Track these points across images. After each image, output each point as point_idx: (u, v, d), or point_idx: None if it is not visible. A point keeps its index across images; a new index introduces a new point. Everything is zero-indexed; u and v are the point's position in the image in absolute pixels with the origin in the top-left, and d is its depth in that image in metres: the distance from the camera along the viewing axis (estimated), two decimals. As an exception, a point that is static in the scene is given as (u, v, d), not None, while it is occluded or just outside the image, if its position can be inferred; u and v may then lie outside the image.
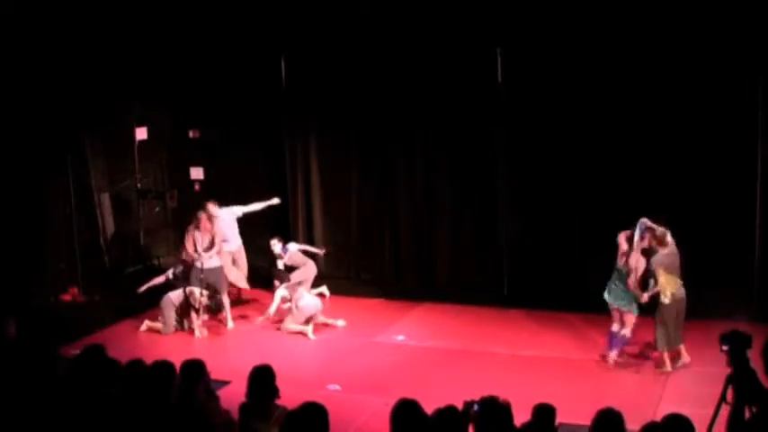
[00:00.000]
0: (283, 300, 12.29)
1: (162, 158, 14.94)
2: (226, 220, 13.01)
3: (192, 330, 12.27)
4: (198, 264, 12.27)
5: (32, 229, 13.01)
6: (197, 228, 12.42)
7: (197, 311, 12.21)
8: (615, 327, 10.55)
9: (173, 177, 14.98)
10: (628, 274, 10.30)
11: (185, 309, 12.26)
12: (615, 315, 10.56)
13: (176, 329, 12.27)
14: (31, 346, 7.39)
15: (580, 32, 11.96)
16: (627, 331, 10.47)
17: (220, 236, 12.61)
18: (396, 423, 5.46)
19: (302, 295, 12.27)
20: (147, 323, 12.41)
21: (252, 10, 13.44)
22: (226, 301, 12.57)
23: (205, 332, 12.30)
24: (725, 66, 11.34)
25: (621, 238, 10.45)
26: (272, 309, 12.32)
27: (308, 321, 12.10)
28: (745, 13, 11.08)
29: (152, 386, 5.97)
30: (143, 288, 12.71)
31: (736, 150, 11.53)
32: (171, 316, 12.23)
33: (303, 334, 12.05)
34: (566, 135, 12.33)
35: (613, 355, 10.53)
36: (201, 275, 12.18)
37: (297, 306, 12.14)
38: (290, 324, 12.18)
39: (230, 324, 12.52)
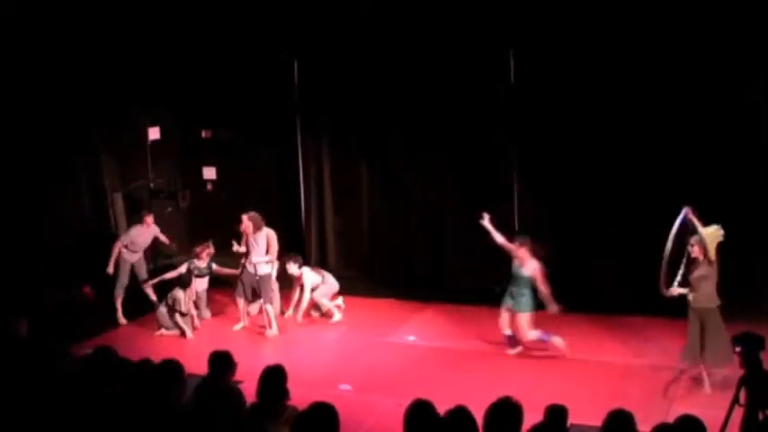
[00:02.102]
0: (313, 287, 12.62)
1: (174, 158, 14.95)
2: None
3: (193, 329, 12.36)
4: (250, 268, 12.24)
5: (46, 228, 13.07)
6: (258, 229, 12.23)
7: (182, 314, 12.23)
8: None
9: (185, 177, 15.01)
10: None
11: (173, 313, 12.28)
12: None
13: (193, 328, 12.35)
14: (43, 346, 7.42)
15: (591, 35, 11.94)
16: (528, 333, 10.76)
17: (275, 243, 12.40)
18: (409, 424, 5.46)
19: (329, 276, 12.81)
20: (163, 330, 12.43)
21: (265, 11, 13.46)
22: (270, 309, 12.33)
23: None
24: (725, 66, 11.32)
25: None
26: (306, 296, 12.56)
27: (333, 298, 12.76)
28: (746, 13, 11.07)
29: (160, 385, 5.98)
30: (154, 281, 12.76)
31: (746, 151, 11.49)
32: (172, 325, 12.29)
33: (329, 315, 12.63)
34: (578, 137, 12.31)
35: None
36: (256, 278, 12.20)
37: (326, 282, 12.68)
38: (323, 298, 12.64)
39: (274, 331, 12.22)
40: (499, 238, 10.95)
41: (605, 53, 11.93)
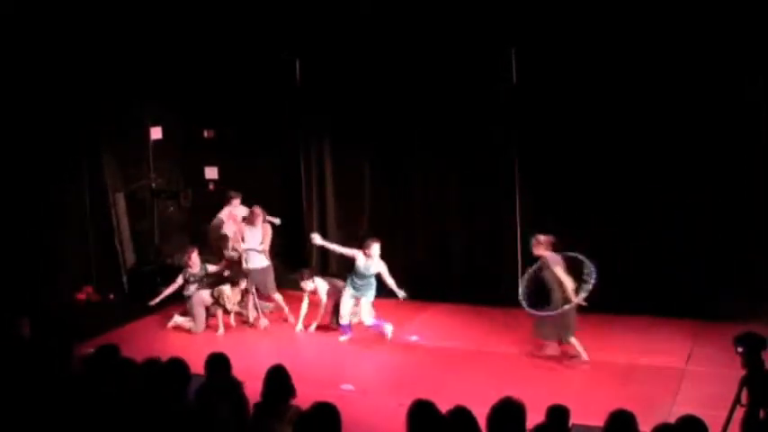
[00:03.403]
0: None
1: (176, 158, 14.96)
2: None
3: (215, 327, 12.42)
4: (243, 262, 12.39)
5: (47, 228, 13.09)
6: (250, 223, 12.45)
7: (226, 311, 12.32)
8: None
9: (187, 177, 15.02)
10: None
11: (217, 306, 12.40)
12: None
13: (206, 328, 12.40)
14: (46, 346, 7.43)
15: (593, 34, 11.94)
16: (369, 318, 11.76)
17: (269, 235, 12.62)
18: (412, 423, 5.47)
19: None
20: (176, 319, 12.45)
21: (267, 10, 13.48)
22: (279, 297, 12.62)
23: (249, 315, 12.68)
24: (725, 66, 11.34)
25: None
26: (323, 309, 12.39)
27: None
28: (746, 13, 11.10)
29: (165, 384, 6.00)
30: (156, 300, 12.62)
31: (746, 151, 11.49)
32: (202, 314, 12.30)
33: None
34: (581, 136, 12.31)
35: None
36: (247, 275, 12.37)
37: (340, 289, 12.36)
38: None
39: (295, 322, 12.37)
40: (338, 249, 12.07)
41: (607, 53, 11.94)
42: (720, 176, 11.64)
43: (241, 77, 14.17)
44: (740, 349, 7.14)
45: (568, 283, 10.47)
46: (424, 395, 5.68)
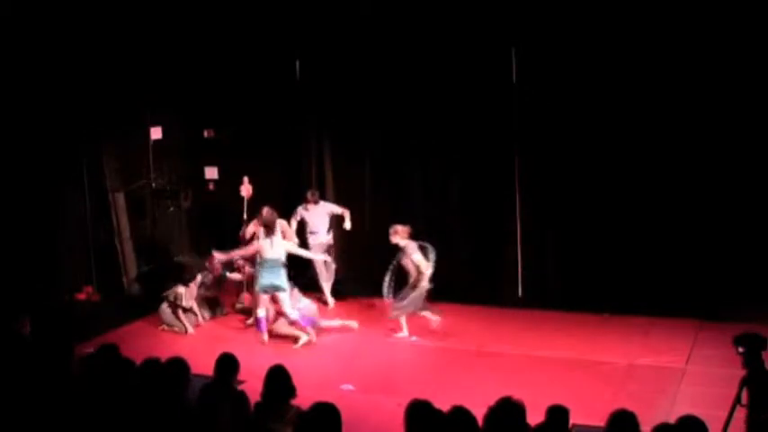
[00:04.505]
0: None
1: (176, 158, 14.96)
2: (319, 211, 13.19)
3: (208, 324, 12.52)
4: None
5: (47, 228, 13.09)
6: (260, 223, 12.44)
7: (185, 310, 12.35)
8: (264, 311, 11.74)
9: (187, 177, 15.01)
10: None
11: (175, 308, 12.40)
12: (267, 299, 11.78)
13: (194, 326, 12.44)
14: (46, 345, 7.43)
15: (595, 32, 11.95)
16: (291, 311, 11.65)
17: (288, 231, 12.65)
18: (410, 423, 5.47)
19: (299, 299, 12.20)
20: (165, 326, 12.49)
21: (267, 10, 13.48)
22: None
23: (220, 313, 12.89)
24: (725, 65, 11.33)
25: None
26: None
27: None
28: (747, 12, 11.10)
29: (165, 384, 6.00)
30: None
31: (753, 151, 11.48)
32: (174, 321, 12.36)
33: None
34: (581, 135, 12.31)
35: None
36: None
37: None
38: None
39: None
40: (246, 252, 12.05)
41: (607, 52, 11.94)
42: (721, 175, 11.62)
43: (241, 77, 14.17)
44: (740, 349, 7.14)
45: (425, 267, 11.46)
46: (423, 395, 5.68)
